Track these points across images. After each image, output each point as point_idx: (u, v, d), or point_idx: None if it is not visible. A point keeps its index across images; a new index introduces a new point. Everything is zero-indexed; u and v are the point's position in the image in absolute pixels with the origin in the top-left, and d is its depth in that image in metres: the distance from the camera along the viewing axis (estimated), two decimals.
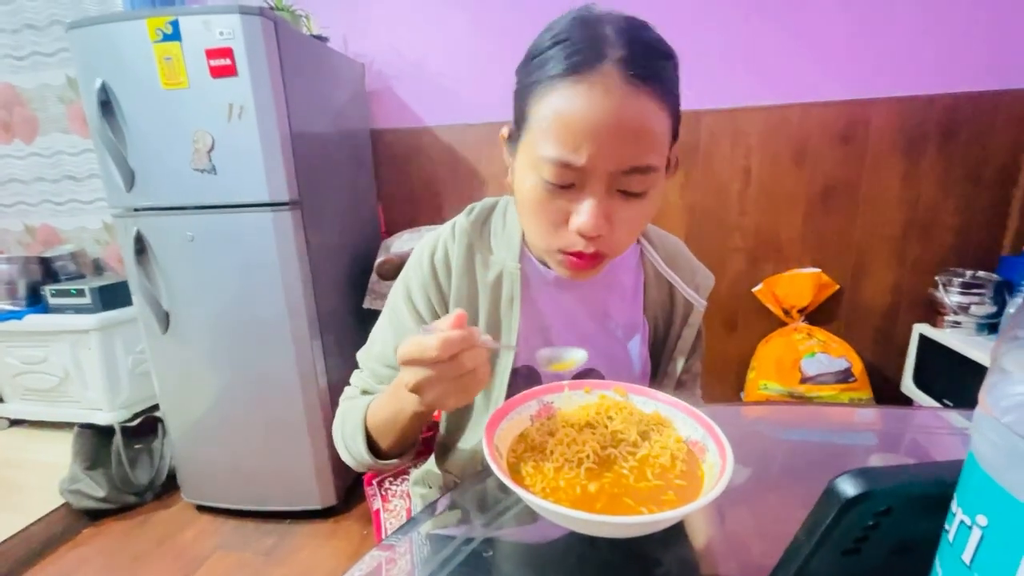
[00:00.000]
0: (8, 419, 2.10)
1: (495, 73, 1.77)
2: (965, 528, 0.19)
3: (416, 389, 0.44)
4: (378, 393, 0.62)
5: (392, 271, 0.91)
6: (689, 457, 0.46)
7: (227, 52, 1.25)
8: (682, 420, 0.50)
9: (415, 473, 0.85)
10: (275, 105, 1.30)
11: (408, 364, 0.44)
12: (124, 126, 1.34)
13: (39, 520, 1.53)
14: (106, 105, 1.32)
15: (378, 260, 0.99)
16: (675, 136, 0.51)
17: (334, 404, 1.68)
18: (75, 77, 2.05)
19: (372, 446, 0.60)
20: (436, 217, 1.94)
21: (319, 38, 1.60)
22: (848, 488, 0.21)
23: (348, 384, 0.75)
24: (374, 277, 1.67)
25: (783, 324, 1.73)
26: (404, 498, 1.01)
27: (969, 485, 0.19)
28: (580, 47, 0.46)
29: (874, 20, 1.53)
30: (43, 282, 1.99)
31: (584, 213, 0.48)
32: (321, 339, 1.50)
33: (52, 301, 1.91)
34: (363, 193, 1.84)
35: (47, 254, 2.08)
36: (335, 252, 1.60)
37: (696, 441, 0.48)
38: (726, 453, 0.42)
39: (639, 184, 0.48)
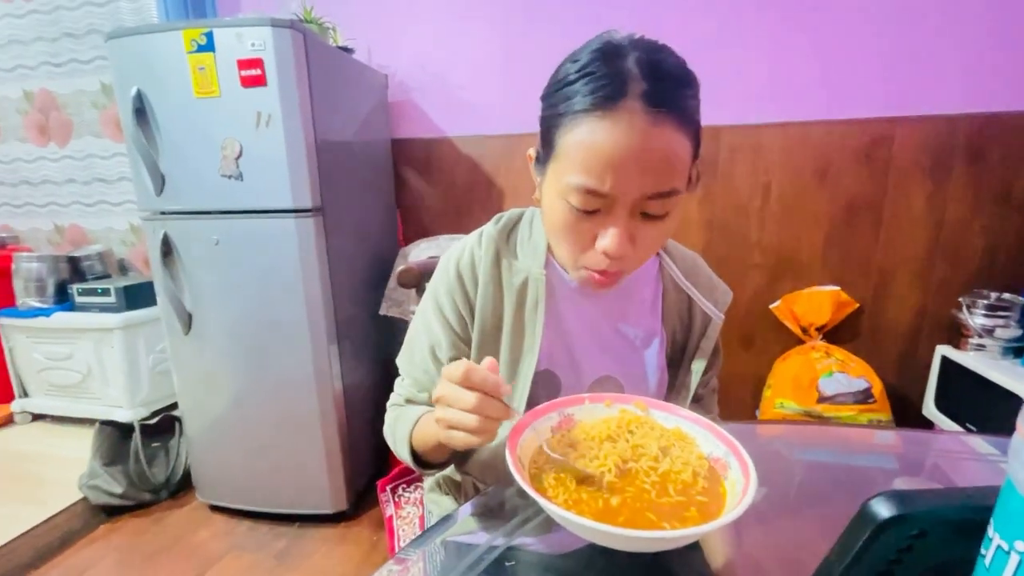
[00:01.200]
0: (31, 413, 2.15)
1: (515, 86, 1.79)
2: (1003, 553, 0.19)
3: (436, 400, 0.49)
4: (422, 406, 0.68)
5: (413, 279, 0.92)
6: (711, 474, 0.46)
7: (258, 63, 1.29)
8: (704, 437, 0.50)
9: (429, 480, 0.85)
10: (301, 114, 1.33)
11: (443, 378, 0.49)
12: (157, 132, 1.39)
13: (59, 513, 1.56)
14: (140, 112, 1.37)
15: (399, 268, 1.00)
16: (696, 155, 0.53)
17: (349, 409, 1.71)
18: (109, 83, 2.12)
19: (418, 456, 0.66)
20: (454, 226, 1.96)
21: (345, 49, 1.64)
22: (883, 510, 0.21)
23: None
24: (392, 284, 1.69)
25: (801, 342, 1.70)
26: (417, 505, 1.02)
27: (1007, 511, 0.19)
28: (604, 82, 0.48)
29: (900, 38, 1.52)
30: (70, 281, 2.05)
31: (609, 237, 0.51)
32: (338, 344, 1.52)
33: (79, 299, 1.97)
34: (382, 201, 1.87)
35: (75, 253, 2.15)
36: (354, 258, 1.62)
37: (718, 458, 0.48)
38: (749, 472, 0.42)
39: (661, 207, 0.51)
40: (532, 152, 0.60)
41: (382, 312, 1.69)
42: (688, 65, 0.51)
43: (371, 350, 1.73)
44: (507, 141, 1.84)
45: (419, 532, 0.89)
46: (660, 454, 0.48)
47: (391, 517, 1.03)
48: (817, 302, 1.66)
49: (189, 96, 1.33)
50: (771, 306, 1.74)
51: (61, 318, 1.94)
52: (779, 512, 0.55)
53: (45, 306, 2.00)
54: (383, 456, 1.78)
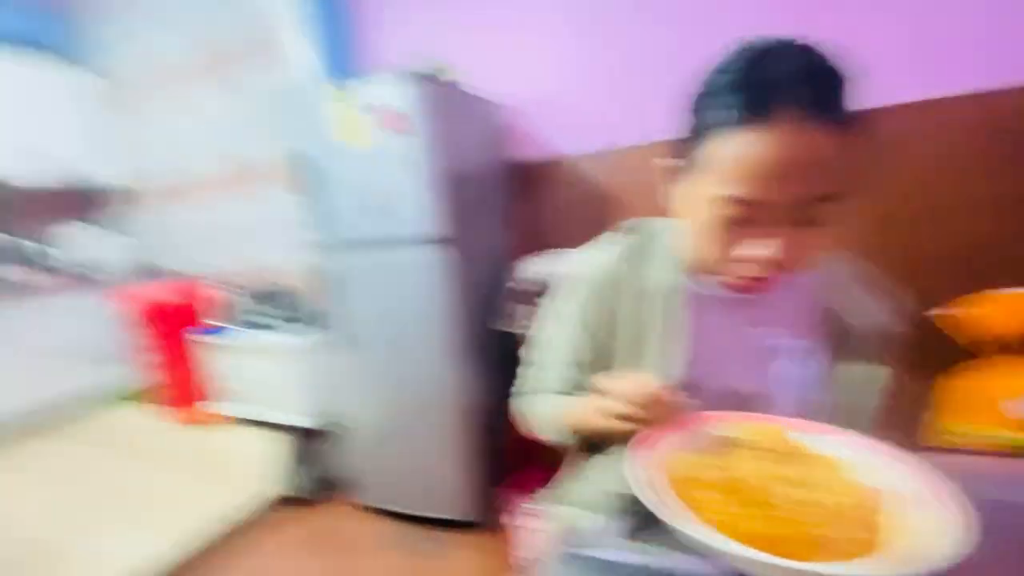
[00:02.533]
0: (235, 417, 2.61)
1: (621, 102, 1.80)
2: None
3: (620, 417, 0.54)
4: (573, 400, 0.70)
5: (527, 296, 0.99)
6: (880, 506, 0.42)
7: (399, 112, 1.49)
8: (876, 465, 0.46)
9: (559, 493, 0.85)
10: (436, 154, 1.51)
11: (610, 394, 0.54)
12: (323, 180, 1.66)
13: (244, 503, 1.89)
14: (310, 162, 1.65)
15: (515, 286, 1.10)
16: (855, 152, 0.50)
17: (476, 421, 1.84)
18: (284, 140, 2.54)
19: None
20: (564, 242, 1.99)
21: (464, 86, 1.78)
22: None
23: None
24: (507, 299, 1.80)
25: (974, 356, 1.45)
26: (551, 520, 1.06)
27: None
28: (756, 94, 0.47)
29: None
30: (262, 308, 2.47)
31: (762, 245, 0.51)
32: (470, 360, 1.67)
33: (270, 323, 2.37)
34: (500, 223, 1.99)
35: (266, 287, 2.57)
36: (480, 280, 1.76)
37: (893, 490, 0.43)
38: (949, 506, 0.37)
39: (817, 212, 0.50)
40: (667, 162, 0.60)
41: (500, 328, 1.79)
42: (838, 59, 0.48)
43: (493, 365, 1.85)
44: (615, 157, 1.85)
45: (552, 547, 0.91)
46: (819, 483, 0.45)
47: (522, 529, 1.06)
48: (996, 309, 1.40)
49: (347, 147, 1.58)
50: (934, 313, 1.51)
51: (264, 339, 2.32)
52: (970, 567, 0.40)
53: (248, 328, 2.42)
54: (518, 468, 1.86)
